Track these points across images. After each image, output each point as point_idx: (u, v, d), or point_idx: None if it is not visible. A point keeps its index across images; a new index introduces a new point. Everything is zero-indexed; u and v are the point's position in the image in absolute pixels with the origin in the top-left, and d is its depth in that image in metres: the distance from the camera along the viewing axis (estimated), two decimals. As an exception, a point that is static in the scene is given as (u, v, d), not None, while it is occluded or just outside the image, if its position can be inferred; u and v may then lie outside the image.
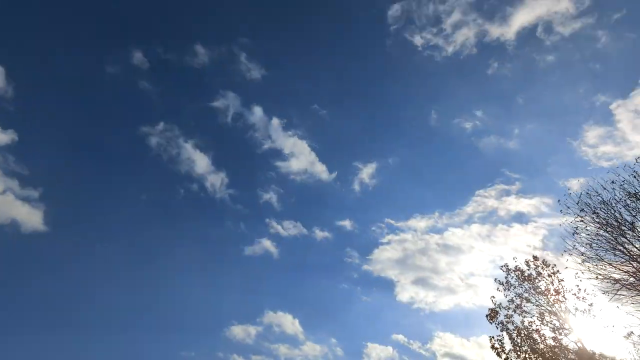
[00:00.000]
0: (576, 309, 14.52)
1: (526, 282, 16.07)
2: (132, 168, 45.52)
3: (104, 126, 45.66)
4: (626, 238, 11.44)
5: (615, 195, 11.75)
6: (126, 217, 42.64)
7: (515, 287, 16.28)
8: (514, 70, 49.75)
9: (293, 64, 54.31)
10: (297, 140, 49.50)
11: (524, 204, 44.33)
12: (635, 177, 11.33)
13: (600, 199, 12.12)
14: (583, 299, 14.57)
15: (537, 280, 15.89)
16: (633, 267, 11.32)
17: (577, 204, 12.66)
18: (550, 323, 14.79)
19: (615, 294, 11.99)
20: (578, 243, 12.62)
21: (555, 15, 44.25)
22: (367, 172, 50.14)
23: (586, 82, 46.51)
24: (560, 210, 13.02)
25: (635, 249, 11.20)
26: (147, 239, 42.95)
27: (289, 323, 38.30)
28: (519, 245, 43.22)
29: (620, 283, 11.67)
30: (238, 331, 36.53)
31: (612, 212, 11.81)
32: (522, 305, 15.68)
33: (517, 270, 16.60)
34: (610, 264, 11.83)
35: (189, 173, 44.66)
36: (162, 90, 47.41)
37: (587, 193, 12.48)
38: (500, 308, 16.08)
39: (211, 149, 46.73)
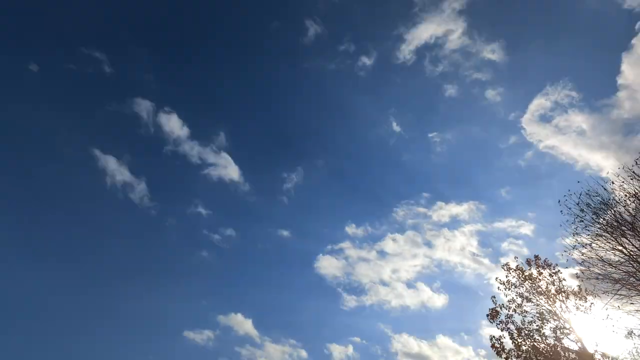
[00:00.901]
0: (577, 308, 14.57)
1: (527, 282, 16.13)
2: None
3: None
4: (626, 238, 11.49)
5: (615, 195, 11.81)
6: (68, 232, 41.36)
7: (516, 287, 16.34)
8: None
9: (211, 72, 52.14)
10: (221, 150, 48.03)
11: (454, 211, 46.52)
12: (635, 177, 11.37)
13: (601, 199, 12.17)
14: (583, 298, 14.62)
15: (538, 280, 15.94)
16: (633, 267, 11.37)
17: (577, 204, 12.73)
18: (551, 323, 14.85)
19: (616, 294, 12.05)
20: (578, 243, 12.69)
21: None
22: (292, 180, 50.53)
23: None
24: (561, 211, 13.09)
25: (635, 249, 11.25)
26: (89, 250, 41.69)
27: (244, 325, 38.40)
28: (454, 249, 45.21)
29: (620, 283, 11.73)
30: (193, 336, 36.53)
31: (612, 212, 11.86)
32: (523, 304, 15.74)
33: (518, 269, 16.65)
34: (610, 264, 11.89)
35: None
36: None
37: (587, 193, 12.54)
38: (501, 307, 16.14)
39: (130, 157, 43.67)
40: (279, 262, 48.62)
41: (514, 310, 15.83)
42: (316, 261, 45.66)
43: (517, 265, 16.76)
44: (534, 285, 15.89)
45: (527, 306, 15.64)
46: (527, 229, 46.27)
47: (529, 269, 16.39)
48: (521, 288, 16.09)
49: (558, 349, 14.27)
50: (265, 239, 48.26)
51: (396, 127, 50.27)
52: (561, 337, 14.46)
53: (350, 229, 47.75)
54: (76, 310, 35.87)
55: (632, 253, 11.30)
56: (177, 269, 44.57)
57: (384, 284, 43.92)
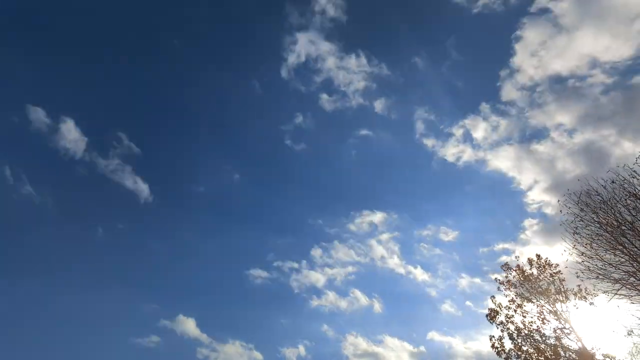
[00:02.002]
0: (577, 308, 14.52)
1: (527, 282, 16.06)
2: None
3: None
4: (626, 238, 11.41)
5: (615, 195, 11.73)
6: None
7: (516, 287, 16.28)
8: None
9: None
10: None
11: (374, 219, 49.08)
12: (635, 177, 11.29)
13: (600, 198, 12.09)
14: (583, 298, 14.56)
15: (538, 280, 15.87)
16: (633, 267, 11.29)
17: (577, 203, 12.66)
18: (551, 323, 14.80)
19: (616, 294, 11.97)
20: (578, 243, 12.61)
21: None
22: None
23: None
24: (560, 210, 13.02)
25: (635, 249, 11.18)
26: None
27: (191, 327, 37.93)
28: (378, 256, 47.28)
29: (620, 283, 11.65)
30: (140, 341, 36.05)
31: (612, 211, 11.78)
32: (523, 304, 15.69)
33: (518, 269, 16.59)
34: (610, 264, 11.81)
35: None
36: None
37: (587, 192, 12.47)
38: (500, 308, 16.09)
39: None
40: (214, 269, 48.29)
41: (514, 311, 15.78)
42: (248, 271, 45.77)
43: (518, 265, 16.72)
44: (534, 285, 15.83)
45: (527, 306, 15.60)
46: (449, 235, 48.90)
47: (530, 269, 16.34)
48: (521, 288, 16.04)
49: (558, 349, 14.22)
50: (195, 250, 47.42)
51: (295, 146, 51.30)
52: (561, 337, 14.41)
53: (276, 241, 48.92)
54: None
55: (632, 253, 11.22)
56: (115, 275, 43.34)
57: (318, 291, 44.61)
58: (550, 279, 15.66)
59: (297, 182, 54.48)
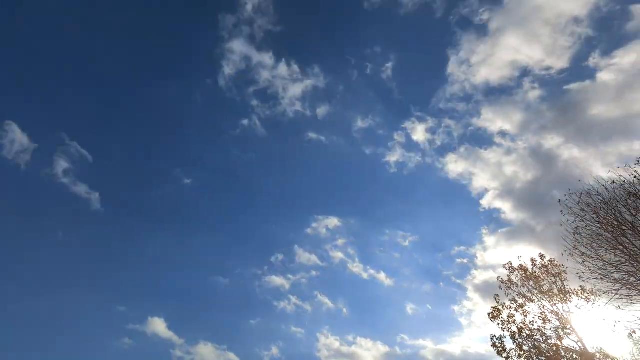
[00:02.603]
0: (578, 308, 14.49)
1: (530, 282, 16.06)
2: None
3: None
4: (627, 238, 11.40)
5: (616, 195, 11.72)
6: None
7: (518, 287, 16.29)
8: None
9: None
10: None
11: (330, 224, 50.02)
12: (636, 177, 11.28)
13: (601, 198, 12.09)
14: (585, 298, 14.53)
15: (540, 280, 15.87)
16: (633, 267, 11.28)
17: (578, 204, 12.66)
18: (552, 323, 14.79)
19: (616, 294, 11.96)
20: (579, 243, 12.62)
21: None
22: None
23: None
24: (561, 211, 13.03)
25: (636, 249, 11.17)
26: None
27: (163, 329, 37.89)
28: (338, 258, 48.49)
29: (620, 283, 11.64)
30: (114, 342, 35.95)
31: (613, 212, 11.77)
32: (525, 304, 15.69)
33: (521, 269, 16.59)
34: (610, 264, 11.81)
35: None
36: None
37: (588, 193, 12.47)
38: (502, 307, 16.12)
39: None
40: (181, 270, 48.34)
41: (516, 310, 15.80)
42: (211, 277, 46.06)
43: (521, 265, 16.71)
44: (536, 285, 15.83)
45: (529, 306, 15.60)
46: (407, 240, 50.10)
47: (533, 269, 16.33)
48: (523, 288, 16.05)
49: (559, 349, 14.23)
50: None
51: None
52: (563, 337, 14.41)
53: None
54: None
55: (632, 253, 11.21)
56: (76, 279, 42.82)
57: (282, 295, 44.90)
58: (552, 279, 15.65)
59: (247, 189, 54.95)
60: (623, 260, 11.52)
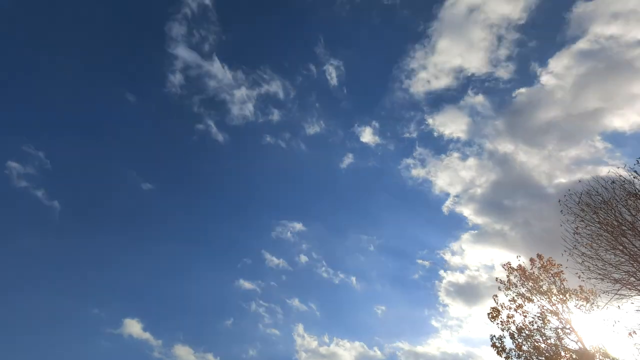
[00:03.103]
0: (578, 308, 14.50)
1: (528, 282, 16.06)
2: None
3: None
4: (626, 238, 11.40)
5: (616, 195, 11.72)
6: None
7: (517, 287, 16.28)
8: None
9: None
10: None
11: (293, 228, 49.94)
12: (635, 177, 11.28)
13: (601, 198, 12.09)
14: (584, 298, 14.54)
15: (539, 280, 15.87)
16: (633, 267, 11.29)
17: (578, 203, 12.66)
18: (552, 323, 14.79)
19: (616, 294, 11.97)
20: (578, 243, 12.62)
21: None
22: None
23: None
24: (561, 210, 13.02)
25: (636, 249, 11.17)
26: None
27: (138, 330, 36.89)
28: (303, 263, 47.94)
29: (620, 283, 11.65)
30: (90, 345, 35.00)
31: (613, 211, 11.77)
32: (524, 304, 15.69)
33: (520, 269, 16.59)
34: (610, 264, 11.81)
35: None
36: None
37: (588, 193, 12.46)
38: (501, 307, 16.12)
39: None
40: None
41: (515, 310, 15.79)
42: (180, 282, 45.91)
43: (519, 265, 16.71)
44: (535, 285, 15.83)
45: (528, 306, 15.61)
46: (373, 244, 50.73)
47: (532, 269, 16.34)
48: (522, 288, 16.04)
49: (559, 349, 14.23)
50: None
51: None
52: (562, 337, 14.41)
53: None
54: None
55: (632, 253, 11.21)
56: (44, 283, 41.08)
57: (253, 298, 44.69)
58: (552, 279, 15.65)
59: (209, 194, 54.23)
60: (623, 260, 11.53)
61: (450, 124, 52.11)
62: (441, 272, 45.87)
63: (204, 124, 50.94)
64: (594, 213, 12.22)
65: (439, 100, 52.89)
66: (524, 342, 14.89)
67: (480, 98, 51.41)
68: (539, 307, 15.32)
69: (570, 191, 12.95)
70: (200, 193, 53.45)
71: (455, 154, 52.10)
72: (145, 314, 38.41)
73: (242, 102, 51.49)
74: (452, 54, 51.54)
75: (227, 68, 52.10)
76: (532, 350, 14.60)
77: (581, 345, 13.85)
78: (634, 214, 11.24)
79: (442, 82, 51.87)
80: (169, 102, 50.48)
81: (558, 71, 46.86)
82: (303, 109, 55.32)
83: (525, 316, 15.38)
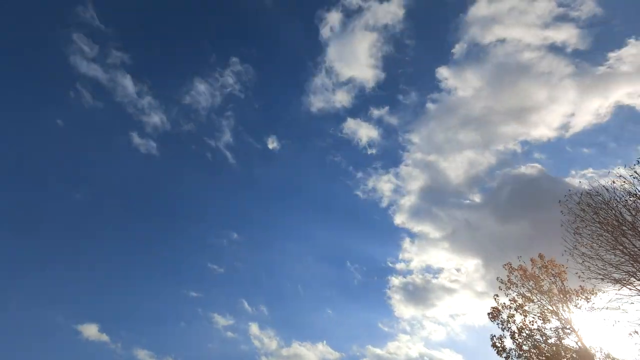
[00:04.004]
0: (578, 308, 14.50)
1: (529, 282, 16.05)
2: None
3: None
4: (627, 238, 11.40)
5: (616, 195, 11.73)
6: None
7: (517, 286, 16.28)
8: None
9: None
10: None
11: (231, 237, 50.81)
12: (636, 177, 11.28)
13: (601, 198, 12.09)
14: (584, 298, 14.54)
15: (540, 280, 15.86)
16: (633, 267, 11.29)
17: (578, 204, 12.66)
18: (552, 322, 14.80)
19: (616, 294, 11.98)
20: (579, 243, 12.62)
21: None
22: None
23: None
24: (561, 211, 13.03)
25: (636, 249, 11.17)
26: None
27: (95, 332, 37.14)
28: None
29: (620, 283, 11.65)
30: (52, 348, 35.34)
31: (613, 212, 11.77)
32: (524, 304, 15.70)
33: (521, 269, 16.58)
34: (610, 264, 11.81)
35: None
36: None
37: (588, 193, 12.47)
38: (502, 307, 16.13)
39: None
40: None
41: (516, 310, 15.80)
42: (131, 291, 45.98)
43: (520, 265, 16.70)
44: (536, 285, 15.83)
45: (529, 306, 15.61)
46: (317, 249, 53.19)
47: (532, 269, 16.33)
48: (522, 288, 16.05)
49: (559, 349, 14.23)
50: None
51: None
52: (562, 337, 14.42)
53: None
54: None
55: (632, 253, 11.21)
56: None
57: (207, 306, 45.50)
58: (552, 279, 15.65)
59: (143, 203, 54.05)
60: (623, 260, 11.53)
61: (364, 131, 55.13)
62: (388, 278, 47.15)
63: (127, 136, 50.73)
64: (594, 213, 12.22)
65: (351, 110, 55.98)
66: (524, 342, 14.91)
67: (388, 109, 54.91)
68: (539, 306, 15.33)
69: (570, 191, 12.96)
70: (132, 203, 53.10)
71: (379, 163, 55.09)
72: (102, 319, 38.47)
73: (157, 113, 51.68)
74: (351, 67, 55.24)
75: (138, 81, 52.01)
76: (532, 350, 14.61)
77: (581, 345, 13.85)
78: (634, 214, 11.24)
79: (348, 96, 55.16)
80: (85, 117, 49.30)
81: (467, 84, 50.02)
82: (216, 120, 56.33)
83: (526, 316, 15.39)
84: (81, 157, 50.41)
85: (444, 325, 43.00)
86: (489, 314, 16.39)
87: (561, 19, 46.82)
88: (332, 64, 56.29)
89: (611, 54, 44.68)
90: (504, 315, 15.93)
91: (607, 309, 12.71)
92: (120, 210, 51.33)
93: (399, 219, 51.20)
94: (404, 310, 44.17)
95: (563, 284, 15.29)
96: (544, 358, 14.29)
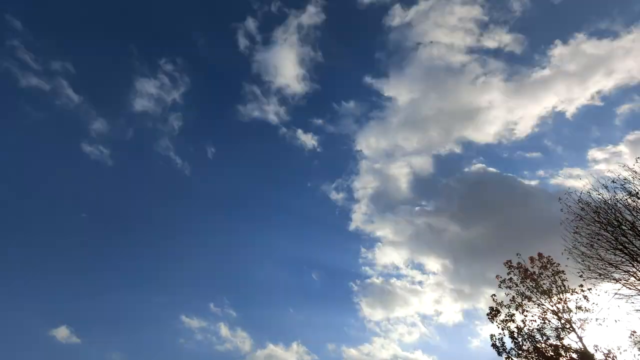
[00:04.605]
0: (578, 308, 14.44)
1: (529, 281, 15.97)
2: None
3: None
4: (627, 238, 11.34)
5: (616, 194, 11.66)
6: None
7: (517, 286, 16.19)
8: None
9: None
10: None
11: None
12: (635, 177, 11.21)
13: (601, 198, 12.02)
14: (585, 298, 14.48)
15: (540, 279, 15.78)
16: (633, 267, 11.24)
17: (578, 203, 12.59)
18: (552, 322, 14.75)
19: (616, 294, 11.94)
20: (579, 242, 12.56)
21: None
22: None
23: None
24: (561, 209, 12.96)
25: (636, 249, 11.11)
26: None
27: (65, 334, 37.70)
28: None
29: (620, 283, 11.61)
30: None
31: (613, 211, 11.71)
32: (524, 303, 15.63)
33: (520, 268, 16.49)
34: (610, 264, 11.76)
35: None
36: None
37: (588, 192, 12.39)
38: (501, 307, 16.06)
39: None
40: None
41: (515, 309, 15.74)
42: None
43: (519, 263, 16.61)
44: (536, 284, 15.75)
45: (528, 305, 15.54)
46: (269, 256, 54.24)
47: (532, 268, 16.23)
48: (522, 287, 15.96)
49: (559, 348, 14.19)
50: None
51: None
52: (562, 336, 14.37)
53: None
54: None
55: (632, 253, 11.15)
56: None
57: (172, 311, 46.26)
58: (552, 278, 15.57)
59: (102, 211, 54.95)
60: (623, 260, 11.48)
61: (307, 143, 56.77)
62: (352, 282, 48.42)
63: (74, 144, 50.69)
64: (594, 213, 12.16)
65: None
66: (524, 342, 14.86)
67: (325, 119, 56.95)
68: (539, 306, 15.27)
69: (569, 190, 12.89)
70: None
71: (326, 171, 56.90)
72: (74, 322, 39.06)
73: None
74: (281, 77, 57.71)
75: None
76: (532, 350, 14.56)
77: (581, 345, 13.81)
78: (634, 214, 11.17)
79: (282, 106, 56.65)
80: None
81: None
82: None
83: (526, 315, 15.33)
84: (32, 165, 50.50)
85: (415, 327, 43.35)
86: (488, 313, 16.32)
87: (487, 24, 47.67)
88: (263, 75, 57.75)
89: (541, 57, 46.02)
90: (503, 315, 15.87)
91: (607, 308, 12.67)
92: (84, 216, 51.51)
93: (353, 225, 52.87)
94: (371, 312, 44.80)
95: (563, 283, 15.22)
96: (543, 358, 14.24)
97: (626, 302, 11.90)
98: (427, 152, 55.79)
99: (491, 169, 49.57)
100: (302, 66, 57.09)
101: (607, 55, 46.49)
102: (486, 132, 50.61)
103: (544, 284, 15.61)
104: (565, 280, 15.24)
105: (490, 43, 48.67)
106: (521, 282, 16.10)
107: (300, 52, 56.35)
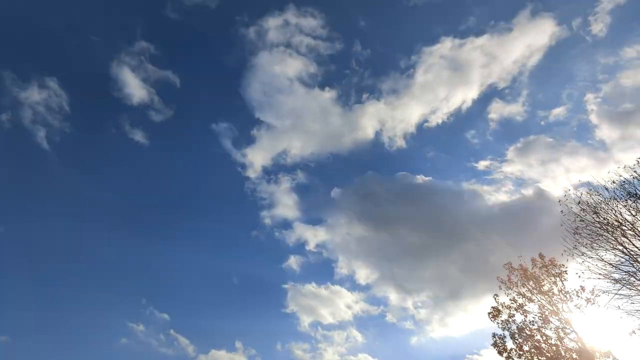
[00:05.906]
0: (578, 308, 14.49)
1: (530, 282, 16.03)
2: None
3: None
4: (627, 238, 11.41)
5: (616, 195, 11.73)
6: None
7: (518, 286, 16.26)
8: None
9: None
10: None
11: None
12: (635, 177, 11.28)
13: (601, 198, 12.09)
14: (585, 299, 14.52)
15: (540, 280, 15.84)
16: (633, 267, 11.30)
17: (578, 203, 12.66)
18: (553, 323, 14.79)
19: (616, 294, 11.98)
20: (579, 243, 12.62)
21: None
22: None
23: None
24: (561, 210, 13.03)
25: (636, 249, 11.17)
26: None
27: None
28: None
29: (620, 283, 11.66)
30: None
31: (613, 212, 11.78)
32: (525, 304, 15.69)
33: (521, 269, 16.55)
34: (610, 264, 11.82)
35: None
36: None
37: (588, 192, 12.47)
38: (502, 307, 16.12)
39: None
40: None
41: (516, 310, 15.80)
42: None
43: (520, 265, 16.67)
44: (536, 285, 15.81)
45: (529, 306, 15.59)
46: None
47: (533, 269, 16.30)
48: (523, 288, 16.02)
49: (560, 349, 14.23)
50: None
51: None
52: (563, 337, 14.41)
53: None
54: None
55: (632, 253, 11.22)
56: None
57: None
58: (553, 279, 15.62)
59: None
60: (623, 260, 11.55)
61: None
62: (280, 286, 46.78)
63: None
64: (594, 213, 12.23)
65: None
66: (525, 342, 14.90)
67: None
68: (539, 307, 15.32)
69: (569, 190, 12.96)
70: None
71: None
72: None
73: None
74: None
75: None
76: (533, 350, 14.61)
77: (581, 345, 13.85)
78: (634, 214, 11.25)
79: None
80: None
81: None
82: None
83: (526, 316, 15.39)
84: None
85: (358, 330, 43.05)
86: (489, 313, 16.38)
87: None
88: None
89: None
90: (504, 316, 15.93)
91: (607, 308, 12.71)
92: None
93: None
94: (306, 318, 44.06)
95: (563, 284, 15.27)
96: (544, 358, 14.29)
97: (626, 302, 11.94)
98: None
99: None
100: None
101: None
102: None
103: (544, 284, 15.67)
104: (566, 280, 15.30)
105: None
106: (522, 284, 16.15)
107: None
